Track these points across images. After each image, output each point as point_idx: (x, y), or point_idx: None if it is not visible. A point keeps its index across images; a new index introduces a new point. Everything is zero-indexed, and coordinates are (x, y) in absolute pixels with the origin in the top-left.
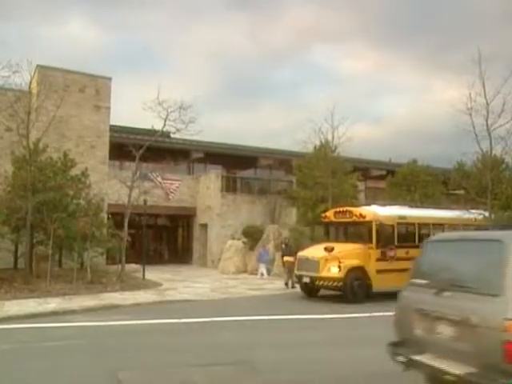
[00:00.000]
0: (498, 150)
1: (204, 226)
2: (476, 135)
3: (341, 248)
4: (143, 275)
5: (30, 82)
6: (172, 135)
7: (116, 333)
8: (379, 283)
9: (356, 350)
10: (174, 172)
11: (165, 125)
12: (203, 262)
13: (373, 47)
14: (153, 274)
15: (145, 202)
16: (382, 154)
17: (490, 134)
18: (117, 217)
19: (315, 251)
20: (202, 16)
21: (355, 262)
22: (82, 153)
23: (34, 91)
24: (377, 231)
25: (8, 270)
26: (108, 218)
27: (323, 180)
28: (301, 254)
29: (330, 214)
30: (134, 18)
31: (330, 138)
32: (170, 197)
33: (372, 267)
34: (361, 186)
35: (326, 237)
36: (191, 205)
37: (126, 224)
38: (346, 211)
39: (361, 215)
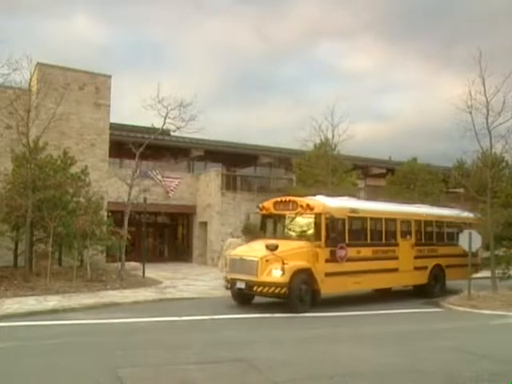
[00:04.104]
0: (498, 149)
1: (204, 224)
2: (476, 133)
3: (284, 246)
4: (143, 273)
5: (30, 80)
6: (172, 133)
7: (116, 330)
8: (328, 288)
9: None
10: (174, 170)
11: (165, 123)
12: (203, 260)
13: (377, 44)
14: (153, 271)
15: (145, 199)
16: (383, 151)
17: (490, 133)
18: (117, 215)
19: (252, 250)
20: (207, 11)
21: (301, 264)
22: (82, 151)
23: (34, 89)
24: (326, 226)
25: (8, 268)
26: (108, 215)
27: (323, 178)
28: (234, 252)
29: (268, 204)
30: (137, 14)
31: (330, 136)
32: (170, 195)
33: (320, 269)
34: (361, 184)
35: (263, 232)
36: (191, 203)
37: (125, 222)
38: (289, 201)
39: (308, 206)
